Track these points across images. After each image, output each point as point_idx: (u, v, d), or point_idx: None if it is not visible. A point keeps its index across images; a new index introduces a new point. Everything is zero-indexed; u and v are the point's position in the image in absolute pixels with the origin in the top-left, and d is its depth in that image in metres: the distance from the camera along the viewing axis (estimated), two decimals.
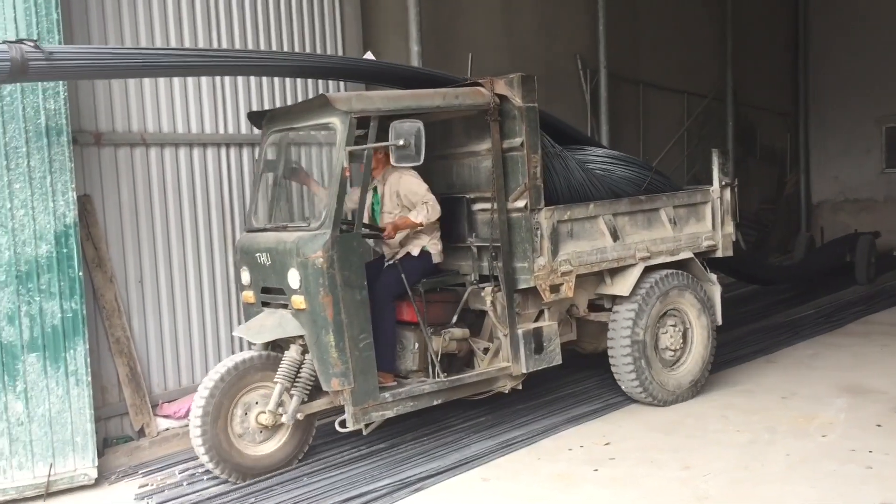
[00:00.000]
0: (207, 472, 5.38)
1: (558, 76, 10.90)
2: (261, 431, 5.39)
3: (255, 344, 5.50)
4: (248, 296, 5.76)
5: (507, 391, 6.12)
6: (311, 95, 7.19)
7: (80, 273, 5.49)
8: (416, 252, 5.91)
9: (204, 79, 6.59)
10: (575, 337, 6.69)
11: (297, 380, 5.36)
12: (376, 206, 6.04)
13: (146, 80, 6.26)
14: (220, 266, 6.75)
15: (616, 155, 7.05)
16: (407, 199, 5.88)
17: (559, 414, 6.42)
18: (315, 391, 5.42)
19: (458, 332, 5.99)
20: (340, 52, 7.59)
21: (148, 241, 6.36)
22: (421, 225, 5.80)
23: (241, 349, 6.51)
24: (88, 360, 5.51)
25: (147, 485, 5.45)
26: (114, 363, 6.13)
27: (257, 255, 5.57)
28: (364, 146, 5.34)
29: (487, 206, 5.96)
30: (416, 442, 5.91)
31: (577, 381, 7.21)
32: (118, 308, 6.13)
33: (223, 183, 6.79)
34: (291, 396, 5.35)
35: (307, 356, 5.34)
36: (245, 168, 6.90)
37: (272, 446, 5.44)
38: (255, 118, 6.18)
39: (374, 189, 6.03)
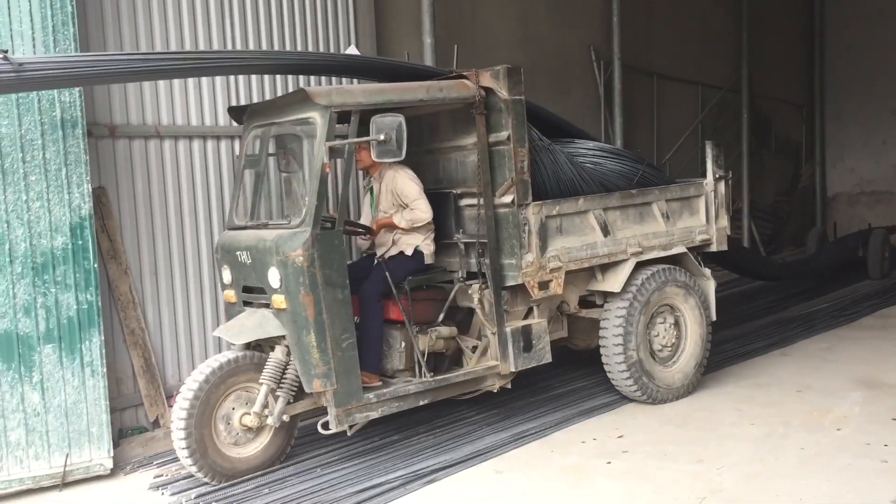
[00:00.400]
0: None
1: (572, 68, 10.87)
2: (245, 433, 5.30)
3: (234, 344, 5.39)
4: (230, 295, 5.65)
5: (495, 390, 6.01)
6: None
7: (95, 265, 5.52)
8: (409, 252, 5.83)
9: None
10: (566, 334, 6.58)
11: (282, 381, 5.28)
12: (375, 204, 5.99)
13: None
14: None
15: (607, 148, 6.95)
16: (399, 198, 5.81)
17: (572, 407, 6.41)
18: (300, 392, 5.32)
19: (446, 330, 5.89)
20: (353, 45, 7.55)
21: (162, 232, 6.40)
22: (403, 228, 5.74)
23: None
24: (104, 351, 5.55)
25: (162, 475, 5.50)
26: (129, 354, 6.18)
27: (238, 253, 5.45)
28: (344, 141, 5.19)
29: (474, 201, 5.83)
30: (428, 434, 5.93)
31: (588, 374, 7.20)
32: (133, 299, 6.17)
33: None
34: (277, 398, 5.28)
35: (292, 357, 5.24)
36: None
37: (255, 448, 5.34)
38: (236, 113, 6.02)
39: (371, 189, 5.99)
